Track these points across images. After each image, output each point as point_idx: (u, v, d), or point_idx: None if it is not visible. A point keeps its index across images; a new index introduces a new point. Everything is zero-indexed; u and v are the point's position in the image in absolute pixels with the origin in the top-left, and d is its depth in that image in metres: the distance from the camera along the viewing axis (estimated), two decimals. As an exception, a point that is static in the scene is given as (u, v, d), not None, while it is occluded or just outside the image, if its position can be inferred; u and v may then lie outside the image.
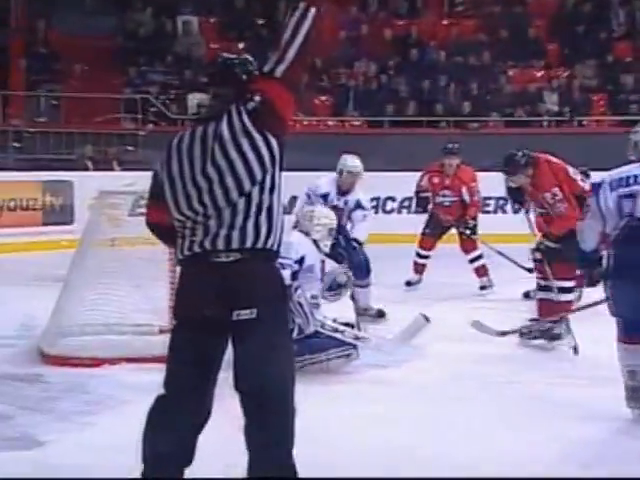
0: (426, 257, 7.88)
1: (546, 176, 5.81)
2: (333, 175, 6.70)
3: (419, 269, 7.91)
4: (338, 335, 5.09)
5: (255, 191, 2.71)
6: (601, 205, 4.21)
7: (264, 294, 2.72)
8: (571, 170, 5.92)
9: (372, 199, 11.34)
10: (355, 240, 6.48)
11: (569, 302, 5.82)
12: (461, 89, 13.71)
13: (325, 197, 6.58)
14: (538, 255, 5.90)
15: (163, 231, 2.88)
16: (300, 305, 4.92)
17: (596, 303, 5.18)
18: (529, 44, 14.44)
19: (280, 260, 4.97)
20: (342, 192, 6.64)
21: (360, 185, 6.76)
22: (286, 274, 4.81)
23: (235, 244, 2.71)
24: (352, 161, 6.70)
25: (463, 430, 3.97)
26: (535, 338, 5.72)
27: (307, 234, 5.22)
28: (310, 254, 5.11)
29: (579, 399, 4.52)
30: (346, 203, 6.62)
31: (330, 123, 13.88)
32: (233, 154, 2.70)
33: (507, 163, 5.93)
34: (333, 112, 13.85)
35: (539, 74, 14.13)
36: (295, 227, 5.31)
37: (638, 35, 14.54)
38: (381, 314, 6.56)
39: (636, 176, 4.18)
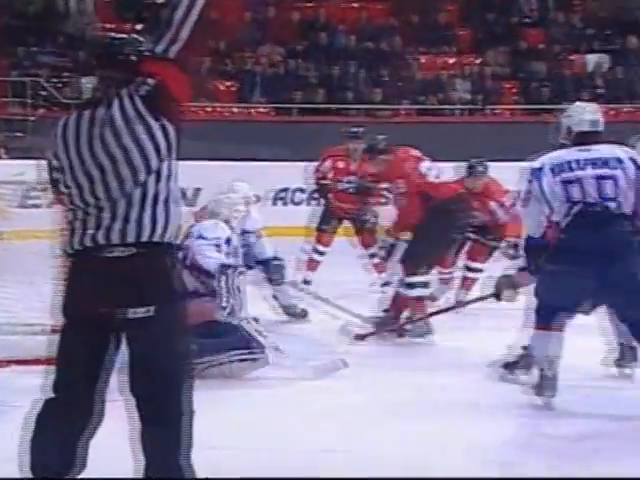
0: (323, 253, 7.62)
1: (395, 166, 6.13)
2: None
3: (313, 266, 7.61)
4: (258, 337, 5.04)
5: (151, 180, 2.68)
6: (545, 190, 4.31)
7: (162, 291, 2.69)
8: (425, 165, 6.12)
9: (280, 190, 11.43)
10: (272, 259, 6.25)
11: (419, 298, 5.97)
12: (372, 76, 13.86)
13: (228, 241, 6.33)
14: (382, 253, 6.32)
15: (65, 212, 2.80)
16: (237, 288, 4.95)
17: (482, 298, 5.45)
18: (440, 30, 14.72)
19: (212, 241, 5.04)
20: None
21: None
22: (220, 255, 5.03)
23: (131, 238, 2.67)
24: (235, 190, 6.03)
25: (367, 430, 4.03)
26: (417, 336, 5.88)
27: (226, 222, 5.33)
28: (233, 236, 5.27)
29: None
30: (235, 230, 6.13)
31: (235, 110, 13.84)
32: (127, 141, 2.66)
33: (369, 149, 6.40)
34: (238, 98, 13.81)
35: (451, 61, 14.42)
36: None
37: (550, 22, 14.96)
38: (304, 314, 6.46)
39: (577, 160, 4.30)
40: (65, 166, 2.73)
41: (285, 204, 11.34)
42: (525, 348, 4.65)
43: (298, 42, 14.26)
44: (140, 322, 2.65)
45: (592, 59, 14.38)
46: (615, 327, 4.85)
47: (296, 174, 10.62)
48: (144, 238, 2.67)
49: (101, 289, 2.67)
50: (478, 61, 14.33)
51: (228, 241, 5.21)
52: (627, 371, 4.93)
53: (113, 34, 2.92)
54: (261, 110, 13.77)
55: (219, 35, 14.08)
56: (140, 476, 2.73)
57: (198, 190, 10.45)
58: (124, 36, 2.88)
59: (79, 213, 2.72)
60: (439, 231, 5.90)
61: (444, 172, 6.29)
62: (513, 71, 14.29)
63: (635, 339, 4.44)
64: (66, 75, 13.14)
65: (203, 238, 5.13)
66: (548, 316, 4.33)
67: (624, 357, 4.93)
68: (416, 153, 6.21)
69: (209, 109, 13.62)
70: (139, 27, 13.65)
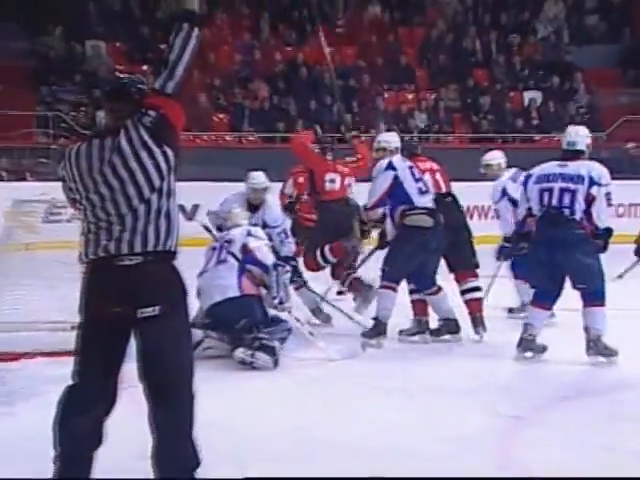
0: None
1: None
2: (237, 195, 6.14)
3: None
4: (296, 323, 5.15)
5: (154, 197, 2.70)
6: (528, 193, 5.16)
7: (166, 293, 2.71)
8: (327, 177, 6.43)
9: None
10: (286, 258, 5.87)
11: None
12: (343, 108, 13.87)
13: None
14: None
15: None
16: (285, 283, 5.09)
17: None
18: (401, 70, 14.78)
19: (266, 241, 5.21)
20: (253, 208, 6.08)
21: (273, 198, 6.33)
22: (272, 255, 5.19)
23: (138, 248, 2.68)
24: (256, 178, 6.15)
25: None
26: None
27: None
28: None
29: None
30: (257, 220, 6.07)
31: (228, 138, 13.82)
32: (133, 165, 2.68)
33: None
34: (230, 128, 13.80)
35: (410, 96, 14.47)
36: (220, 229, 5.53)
37: (493, 63, 15.07)
38: (328, 318, 6.19)
39: (554, 174, 5.07)
40: (80, 187, 2.74)
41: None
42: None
43: (281, 80, 14.26)
44: (148, 320, 2.66)
45: (528, 95, 14.51)
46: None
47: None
48: (149, 247, 2.68)
49: (114, 292, 2.68)
50: (433, 96, 14.39)
51: (269, 243, 5.39)
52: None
53: (120, 74, 2.95)
54: (250, 138, 13.76)
55: (214, 73, 14.11)
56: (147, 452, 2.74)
57: (196, 206, 10.44)
58: (128, 76, 2.94)
59: (92, 227, 2.74)
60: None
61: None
62: (462, 105, 14.37)
63: (583, 304, 5.02)
64: (83, 109, 13.10)
65: (253, 236, 5.18)
66: (541, 295, 5.08)
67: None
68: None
69: (205, 137, 13.59)
70: (145, 68, 13.68)
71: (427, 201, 5.56)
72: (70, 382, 2.79)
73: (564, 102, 14.31)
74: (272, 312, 5.11)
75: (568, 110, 14.19)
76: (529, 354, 5.09)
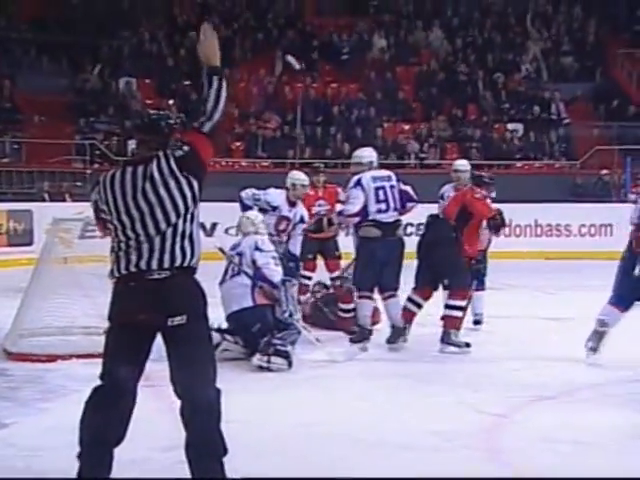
0: (310, 278, 6.86)
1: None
2: (279, 190, 6.10)
3: (304, 291, 6.65)
4: (304, 331, 5.13)
5: (180, 222, 2.74)
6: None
7: (191, 303, 2.75)
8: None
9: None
10: (290, 253, 5.94)
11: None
12: (346, 138, 13.92)
13: (275, 209, 5.98)
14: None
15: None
16: (292, 297, 5.11)
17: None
18: (399, 104, 14.82)
19: (269, 254, 5.06)
20: (291, 204, 6.09)
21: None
22: (280, 269, 5.07)
23: (166, 264, 2.72)
24: (300, 175, 6.25)
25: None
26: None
27: (255, 234, 5.30)
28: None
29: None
30: (295, 215, 6.07)
31: (243, 163, 13.86)
32: (162, 192, 2.72)
33: None
34: (245, 154, 13.84)
35: (406, 127, 14.49)
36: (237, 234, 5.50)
37: (482, 98, 15.12)
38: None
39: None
40: (112, 209, 2.76)
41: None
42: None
43: (291, 112, 14.31)
44: (177, 327, 2.70)
45: (511, 127, 14.53)
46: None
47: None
48: (177, 264, 2.72)
49: (146, 302, 2.70)
50: (426, 127, 14.41)
51: (275, 254, 5.21)
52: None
53: (151, 110, 2.98)
54: (263, 164, 13.79)
55: (231, 106, 14.16)
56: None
57: (215, 224, 10.46)
58: (158, 111, 2.95)
59: (122, 245, 2.76)
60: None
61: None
62: (454, 135, 14.40)
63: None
64: (116, 138, 13.17)
65: (260, 250, 5.11)
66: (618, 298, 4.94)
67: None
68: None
69: (224, 163, 13.63)
70: (171, 102, 13.76)
71: (384, 217, 5.54)
72: (99, 382, 2.79)
73: (543, 132, 14.33)
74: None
75: (546, 139, 14.21)
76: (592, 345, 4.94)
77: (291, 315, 5.05)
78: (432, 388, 4.50)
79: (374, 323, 6.00)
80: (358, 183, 5.57)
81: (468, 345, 5.45)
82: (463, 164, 6.39)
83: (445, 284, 5.51)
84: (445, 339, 5.45)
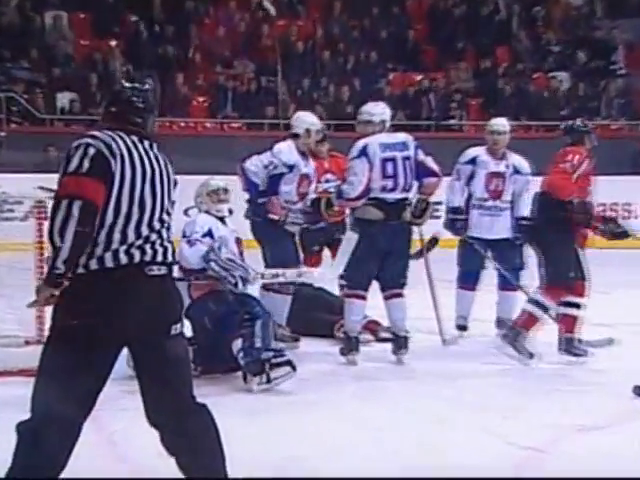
0: None
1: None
2: (286, 143, 6.01)
3: None
4: (281, 280, 5.25)
5: (170, 209, 2.99)
6: None
7: (181, 307, 3.04)
8: None
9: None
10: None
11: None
12: (343, 91, 13.90)
13: (292, 168, 5.92)
14: None
15: (93, 211, 2.78)
16: (231, 260, 5.06)
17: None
18: (408, 47, 14.83)
19: (189, 238, 5.11)
20: (304, 157, 6.06)
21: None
22: (200, 247, 5.11)
23: (169, 257, 2.92)
24: (313, 117, 6.20)
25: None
26: None
27: (207, 212, 5.39)
28: (216, 227, 5.29)
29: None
30: (313, 170, 6.10)
31: (208, 125, 13.84)
32: (166, 177, 2.98)
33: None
34: (211, 114, 13.81)
35: (418, 77, 14.48)
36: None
37: (515, 40, 15.10)
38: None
39: None
40: (127, 185, 2.84)
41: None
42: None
43: (269, 58, 14.27)
44: (175, 337, 2.90)
45: (553, 77, 14.55)
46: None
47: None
48: (170, 258, 2.94)
49: (147, 306, 2.83)
50: (444, 78, 14.43)
51: (210, 234, 5.22)
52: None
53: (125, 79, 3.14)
54: (233, 125, 13.77)
55: (193, 50, 14.11)
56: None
57: (172, 204, 10.38)
58: (136, 84, 3.10)
59: (120, 227, 2.82)
60: None
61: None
62: (478, 88, 14.40)
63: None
64: (41, 91, 13.09)
65: (184, 237, 5.20)
66: None
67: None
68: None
69: (182, 124, 13.61)
70: (113, 44, 13.70)
71: (389, 196, 5.54)
72: (41, 413, 2.78)
73: (595, 85, 14.36)
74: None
75: (601, 93, 14.25)
76: None
77: (245, 281, 5.02)
78: (448, 413, 4.55)
79: (373, 333, 6.08)
80: (363, 152, 5.52)
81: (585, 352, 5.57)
82: (503, 124, 6.42)
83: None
84: (566, 346, 5.58)
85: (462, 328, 6.31)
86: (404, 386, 5.16)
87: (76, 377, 2.77)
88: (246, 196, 6.02)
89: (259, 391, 4.86)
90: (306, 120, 6.11)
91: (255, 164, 5.91)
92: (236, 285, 4.99)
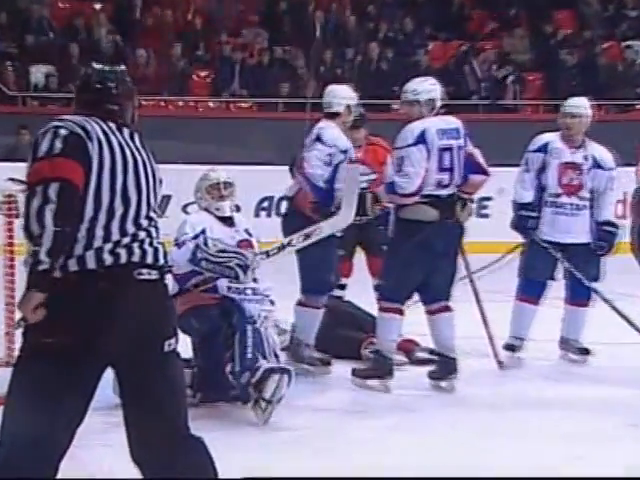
0: (344, 287, 6.75)
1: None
2: (329, 124, 5.94)
3: None
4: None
5: (156, 207, 3.04)
6: None
7: (175, 319, 3.06)
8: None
9: (263, 199, 11.41)
10: None
11: None
12: (371, 64, 13.90)
13: (346, 152, 5.85)
14: None
15: (72, 192, 2.79)
16: (222, 251, 5.08)
17: None
18: (452, 12, 14.83)
19: (178, 241, 5.16)
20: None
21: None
22: (189, 246, 5.14)
23: (160, 259, 2.94)
24: (350, 91, 6.10)
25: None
26: None
27: (206, 210, 5.45)
28: (210, 228, 5.32)
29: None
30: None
31: (211, 105, 13.88)
32: (150, 169, 3.01)
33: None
34: (214, 91, 13.84)
35: (463, 47, 14.48)
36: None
37: (581, 2, 15.06)
38: None
39: None
40: (107, 174, 2.87)
41: (269, 215, 11.33)
42: None
43: (285, 26, 14.30)
44: (169, 354, 2.92)
45: (631, 47, 14.49)
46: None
47: (281, 180, 10.65)
48: (162, 261, 2.96)
49: (138, 319, 2.84)
50: (495, 48, 14.43)
51: (203, 233, 5.25)
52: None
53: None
54: (242, 105, 13.80)
55: (193, 15, 14.16)
56: None
57: (168, 198, 10.44)
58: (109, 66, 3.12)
59: (102, 223, 2.84)
60: None
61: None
62: (537, 60, 14.38)
63: None
64: (11, 64, 13.17)
65: (175, 241, 5.26)
66: None
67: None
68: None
69: (181, 103, 13.67)
70: (98, 7, 13.77)
71: (443, 192, 5.54)
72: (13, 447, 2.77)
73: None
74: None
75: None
76: None
77: (242, 270, 4.99)
78: (506, 449, 4.49)
79: (408, 354, 6.08)
80: (421, 139, 5.45)
81: None
82: (579, 105, 6.30)
83: None
84: None
85: (512, 348, 6.28)
86: (452, 417, 5.12)
87: (51, 406, 2.76)
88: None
89: (265, 423, 4.82)
90: (344, 94, 6.06)
91: (317, 165, 5.81)
92: (237, 276, 4.97)
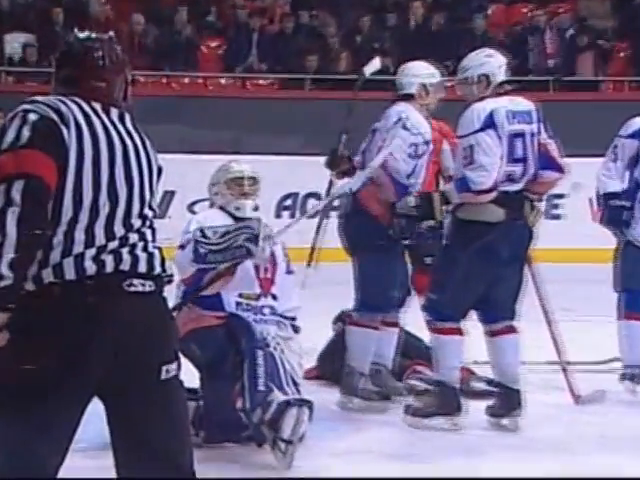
0: None
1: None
2: (407, 107, 6.03)
3: None
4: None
5: (153, 204, 3.04)
6: None
7: (177, 339, 3.09)
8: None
9: (286, 196, 11.44)
10: None
11: None
12: (415, 32, 13.95)
13: (428, 144, 6.03)
14: None
15: (42, 190, 2.79)
16: (225, 233, 5.17)
17: None
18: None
19: (182, 242, 5.29)
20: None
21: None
22: (188, 249, 5.22)
23: (156, 267, 2.95)
24: (429, 67, 6.24)
25: None
26: None
27: (221, 208, 5.51)
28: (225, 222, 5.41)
29: None
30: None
31: (223, 82, 13.94)
32: (144, 159, 3.01)
33: None
34: (226, 66, 13.93)
35: (529, 13, 14.60)
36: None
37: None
38: None
39: None
40: (88, 164, 2.87)
41: (293, 216, 11.34)
42: None
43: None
44: (170, 382, 2.94)
45: None
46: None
47: (309, 173, 10.67)
48: (160, 270, 2.98)
49: (129, 340, 2.86)
50: (569, 12, 14.52)
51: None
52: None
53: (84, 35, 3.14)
54: (260, 82, 13.86)
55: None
56: None
57: (171, 194, 10.49)
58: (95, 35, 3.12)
59: (82, 226, 2.85)
60: None
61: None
62: (621, 28, 14.37)
63: None
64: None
65: (179, 244, 5.38)
66: None
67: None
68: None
69: (187, 80, 13.75)
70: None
71: (512, 188, 5.54)
72: None
73: None
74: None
75: None
76: None
77: (247, 251, 5.13)
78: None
79: (461, 384, 5.99)
80: (490, 122, 5.45)
81: None
82: None
83: None
84: None
85: (632, 378, 6.22)
86: (518, 462, 5.08)
87: (26, 443, 2.79)
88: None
89: (288, 467, 4.81)
90: (421, 71, 6.13)
91: (401, 158, 5.88)
92: (249, 252, 5.06)
